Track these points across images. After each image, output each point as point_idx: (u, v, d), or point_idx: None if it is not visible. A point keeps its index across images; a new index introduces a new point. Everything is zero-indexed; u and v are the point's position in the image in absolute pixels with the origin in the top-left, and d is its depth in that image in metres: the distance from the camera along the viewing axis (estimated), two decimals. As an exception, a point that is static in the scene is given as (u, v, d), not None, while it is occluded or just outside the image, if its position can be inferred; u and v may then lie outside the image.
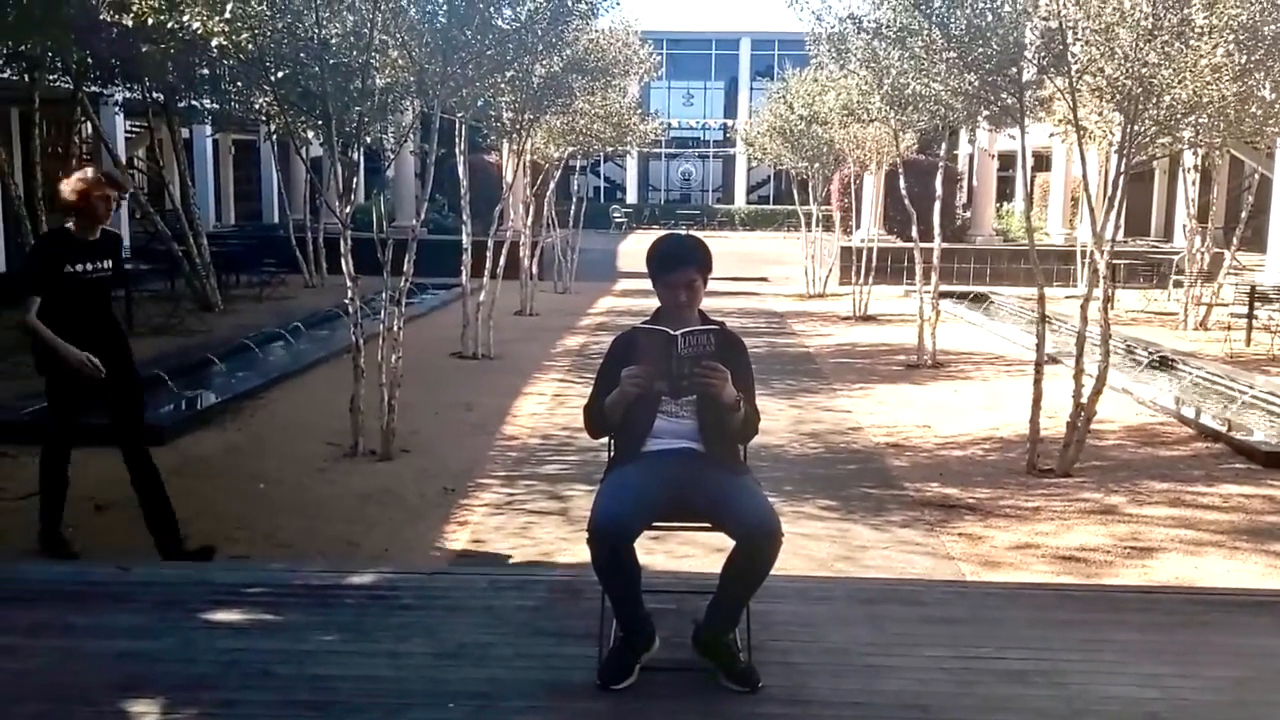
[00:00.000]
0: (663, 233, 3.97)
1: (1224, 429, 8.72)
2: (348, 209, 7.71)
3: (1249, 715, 3.31)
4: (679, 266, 3.60)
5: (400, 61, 7.92)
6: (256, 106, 14.48)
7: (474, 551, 5.79)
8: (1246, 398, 10.16)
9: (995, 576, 5.43)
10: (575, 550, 5.68)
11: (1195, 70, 6.89)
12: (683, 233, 3.82)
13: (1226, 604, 4.30)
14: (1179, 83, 6.94)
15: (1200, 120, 7.61)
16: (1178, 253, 19.00)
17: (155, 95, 15.09)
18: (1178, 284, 17.47)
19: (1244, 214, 16.12)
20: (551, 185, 18.45)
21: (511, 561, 5.60)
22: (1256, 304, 13.82)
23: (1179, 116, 7.35)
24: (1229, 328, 14.01)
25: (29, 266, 5.33)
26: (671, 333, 3.38)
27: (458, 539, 6.00)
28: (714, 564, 3.55)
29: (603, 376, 3.70)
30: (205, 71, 13.27)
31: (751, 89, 45.74)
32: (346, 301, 7.90)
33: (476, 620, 3.98)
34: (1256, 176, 16.82)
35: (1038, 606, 4.23)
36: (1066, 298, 17.64)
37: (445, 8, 7.77)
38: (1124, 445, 8.31)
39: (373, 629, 3.88)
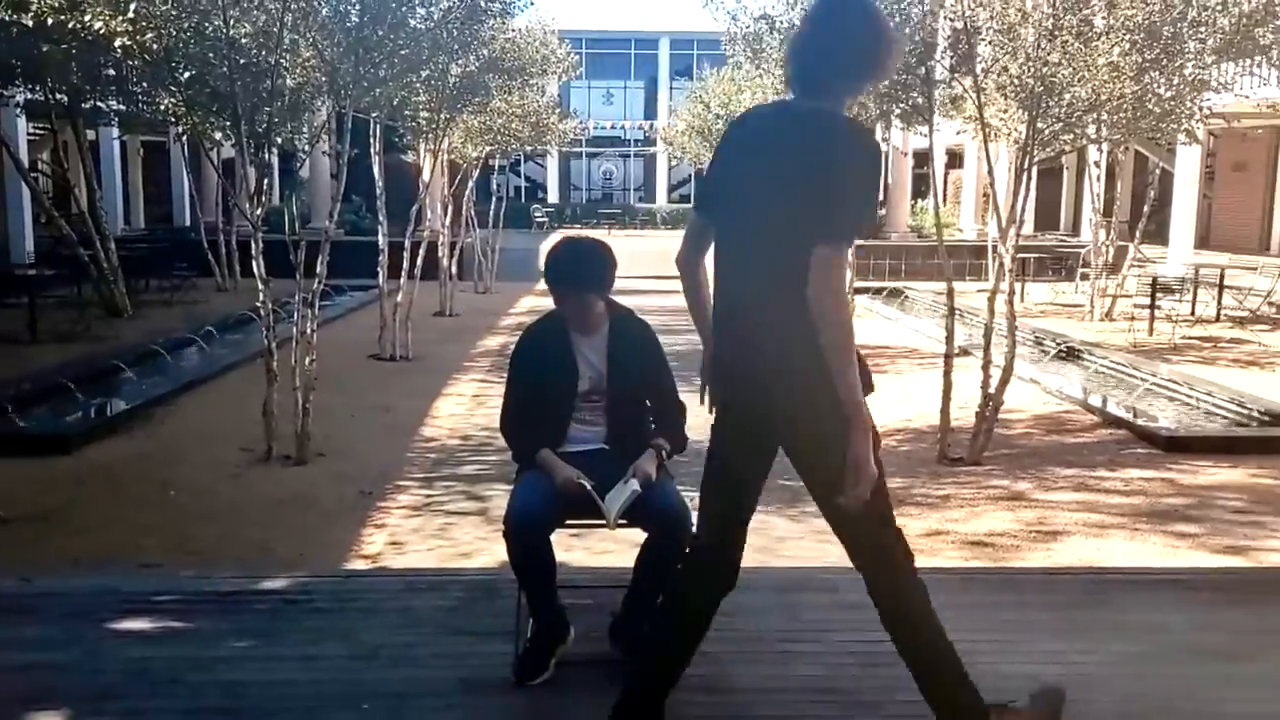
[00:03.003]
0: (564, 236, 3.93)
1: (1127, 416, 9.00)
2: (259, 211, 7.60)
3: (1144, 687, 3.43)
4: (572, 292, 3.58)
5: (311, 61, 7.83)
6: (164, 107, 14.17)
7: (391, 554, 5.76)
8: (1148, 385, 10.49)
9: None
10: (494, 550, 5.67)
11: (1094, 69, 7.10)
12: (583, 240, 3.74)
13: (1125, 582, 4.45)
14: (1079, 81, 7.15)
15: (1101, 117, 7.84)
16: (1085, 246, 19.53)
17: (58, 96, 14.70)
18: (1084, 277, 17.97)
19: (1146, 208, 16.62)
20: (470, 184, 18.35)
21: (429, 563, 5.57)
22: (1158, 295, 14.26)
23: (1080, 114, 7.57)
24: (1132, 318, 14.43)
25: None
26: (601, 502, 3.40)
27: (374, 542, 5.96)
28: (631, 559, 3.58)
29: (513, 383, 3.70)
30: (111, 72, 12.96)
31: (671, 88, 45.93)
32: (259, 304, 7.79)
33: (392, 622, 3.95)
34: (1159, 171, 17.35)
35: (944, 590, 4.28)
36: (978, 291, 17.96)
37: (357, 6, 7.70)
38: (1031, 433, 8.53)
39: (285, 633, 3.84)
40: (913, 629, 2.89)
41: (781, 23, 10.18)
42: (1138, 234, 16.86)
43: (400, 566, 5.46)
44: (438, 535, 6.05)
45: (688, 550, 3.15)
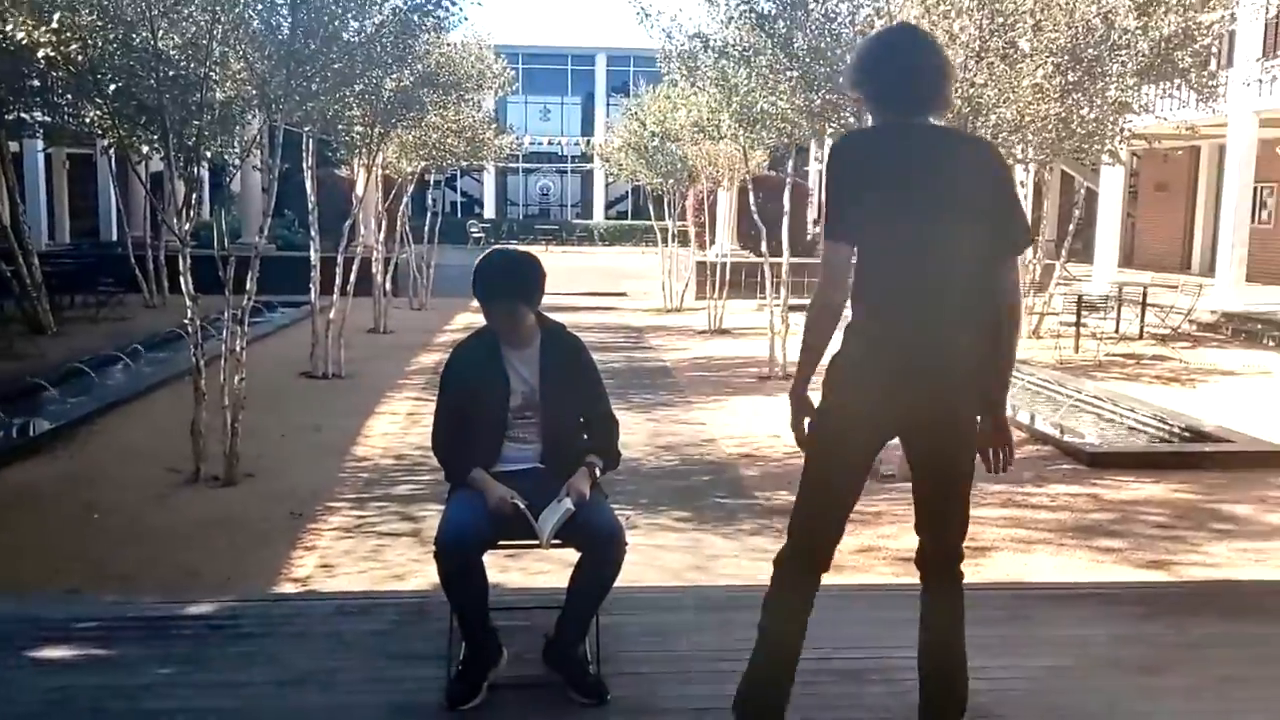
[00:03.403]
0: (491, 249, 3.92)
1: (1053, 432, 9.17)
2: (188, 225, 7.48)
3: (1067, 701, 3.50)
4: (496, 300, 3.58)
5: (242, 74, 7.73)
6: (89, 120, 13.89)
7: (322, 577, 5.67)
8: (1074, 402, 10.71)
9: (838, 579, 5.58)
10: (427, 572, 5.59)
11: (1019, 90, 7.26)
12: (511, 251, 3.75)
13: (1048, 597, 4.54)
14: (1004, 102, 7.30)
15: (1027, 138, 8.02)
16: (1013, 264, 19.85)
17: (-22, 108, 14.35)
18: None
19: (1072, 227, 16.99)
20: (405, 200, 18.23)
21: (360, 585, 5.50)
22: (1084, 313, 14.57)
23: (1006, 134, 7.74)
24: (1059, 335, 14.73)
25: None
26: (534, 522, 3.39)
27: (304, 564, 5.87)
28: (566, 579, 3.57)
29: (445, 400, 3.68)
30: (35, 83, 12.68)
31: (608, 105, 46.05)
32: (186, 321, 7.65)
33: (322, 646, 3.90)
34: (1084, 191, 17.75)
35: (873, 606, 4.40)
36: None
37: (289, 19, 7.62)
38: (963, 450, 8.64)
39: (212, 659, 3.77)
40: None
41: (715, 41, 10.26)
42: (1064, 253, 17.23)
43: (331, 590, 5.38)
44: (370, 557, 5.98)
45: (792, 566, 3.17)
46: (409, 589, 5.28)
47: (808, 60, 8.13)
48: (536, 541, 3.44)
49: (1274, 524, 6.62)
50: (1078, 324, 14.43)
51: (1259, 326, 15.99)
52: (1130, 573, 5.68)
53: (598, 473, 3.63)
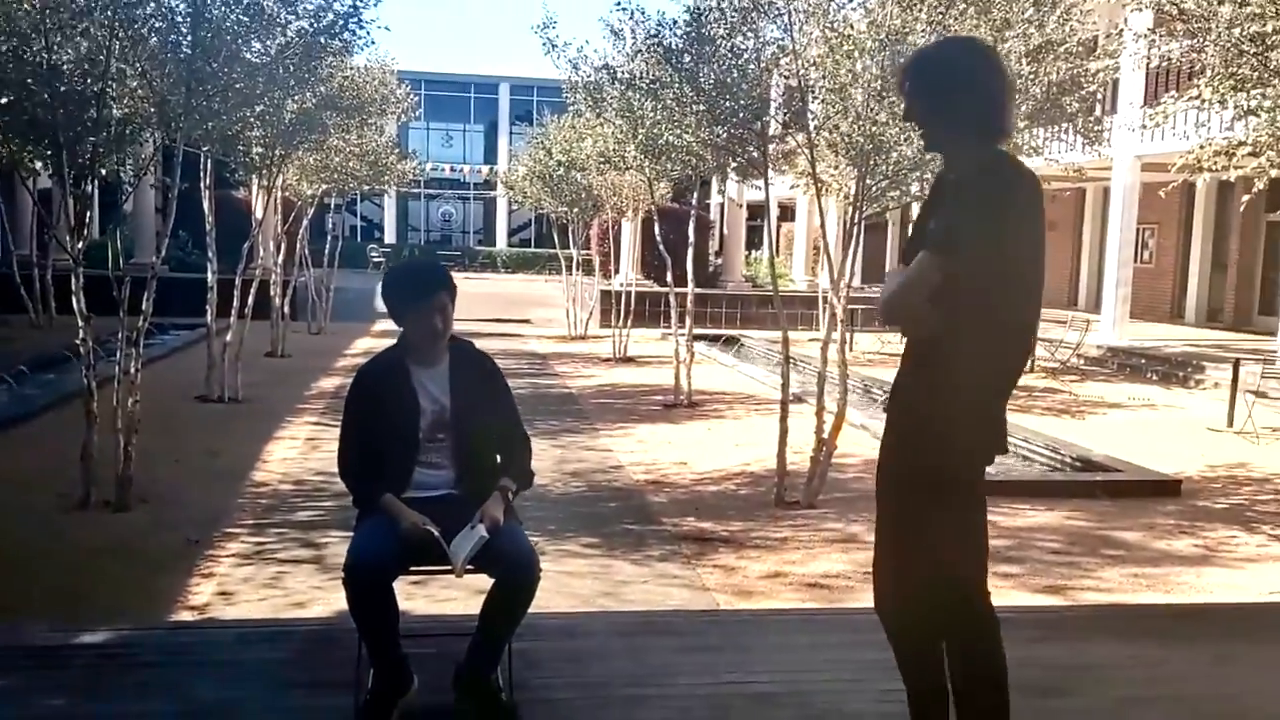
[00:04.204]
0: (394, 264, 3.89)
1: (951, 461, 9.38)
2: (80, 244, 7.25)
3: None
4: (432, 292, 3.54)
5: (140, 91, 7.54)
6: (-25, 134, 13.41)
7: (220, 604, 5.52)
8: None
9: (748, 605, 5.64)
10: (330, 599, 5.51)
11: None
12: (415, 257, 3.76)
13: (953, 621, 4.62)
14: (905, 140, 7.50)
15: (925, 175, 8.24)
16: (909, 298, 20.34)
17: None
18: (910, 327, 18.69)
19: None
20: (305, 223, 17.94)
21: (262, 613, 5.37)
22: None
23: (906, 171, 7.94)
24: (955, 367, 15.07)
25: None
26: (449, 553, 3.34)
27: (202, 592, 5.70)
28: (475, 605, 3.53)
29: (351, 422, 3.62)
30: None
31: (511, 133, 46.09)
32: (78, 342, 7.40)
33: (223, 675, 3.79)
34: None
35: (784, 631, 4.44)
36: (810, 340, 18.52)
37: (189, 38, 7.46)
38: (863, 477, 8.79)
39: (108, 690, 3.64)
40: None
41: (623, 74, 10.34)
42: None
43: (231, 617, 5.24)
44: (270, 585, 5.83)
45: (977, 617, 2.96)
46: (314, 616, 5.17)
47: (714, 94, 8.24)
48: (449, 567, 3.39)
49: (1162, 550, 6.87)
50: (971, 357, 14.79)
51: (1142, 361, 16.65)
52: (1027, 598, 5.84)
53: (511, 496, 3.60)
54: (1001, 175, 2.74)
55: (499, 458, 3.68)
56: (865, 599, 5.72)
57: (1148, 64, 10.93)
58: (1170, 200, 18.78)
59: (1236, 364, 11.93)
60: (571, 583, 5.85)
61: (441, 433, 3.59)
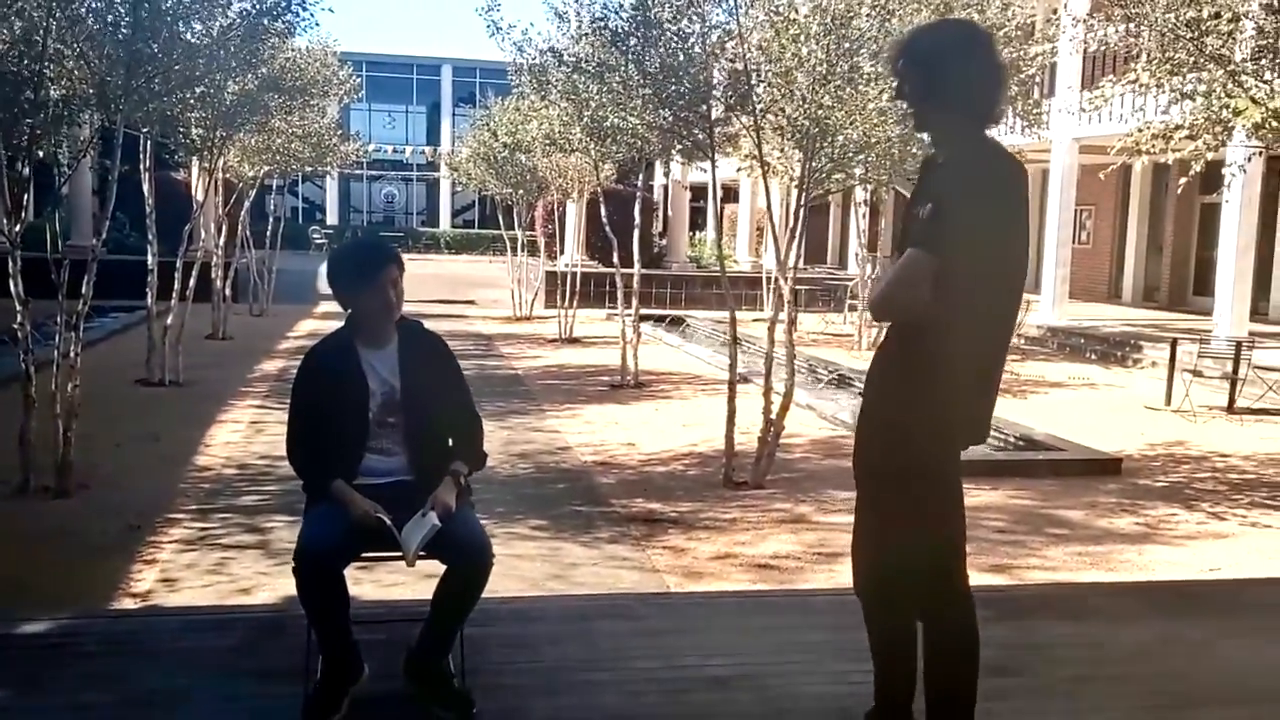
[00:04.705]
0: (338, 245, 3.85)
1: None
2: (17, 227, 7.09)
3: (919, 701, 3.62)
4: (383, 265, 3.49)
5: (78, 73, 7.37)
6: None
7: (164, 591, 5.44)
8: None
9: (698, 587, 5.68)
10: (277, 585, 5.46)
11: (864, 113, 7.52)
12: (358, 237, 3.72)
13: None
14: (850, 124, 7.55)
15: (870, 158, 8.30)
16: (852, 279, 20.57)
17: None
18: (852, 308, 18.91)
19: (909, 244, 17.62)
20: (246, 205, 17.66)
21: (206, 600, 5.30)
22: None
23: (851, 154, 8.00)
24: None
25: None
26: (400, 540, 3.30)
27: (144, 579, 5.62)
28: (424, 591, 3.51)
29: (299, 406, 3.57)
30: None
31: (454, 115, 45.68)
32: (15, 326, 7.24)
33: (169, 664, 3.74)
34: (919, 211, 18.47)
35: (738, 613, 4.47)
36: (754, 320, 18.64)
37: (129, 19, 7.28)
38: (810, 458, 8.89)
39: (50, 681, 3.57)
40: None
41: (569, 57, 10.28)
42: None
43: (176, 604, 5.17)
44: (215, 571, 5.76)
45: (956, 594, 2.99)
46: (260, 603, 5.12)
47: (660, 78, 8.22)
48: (400, 554, 3.37)
49: (1105, 528, 7.01)
50: (915, 337, 14.95)
51: (1081, 341, 16.95)
52: (975, 577, 5.90)
53: (463, 480, 3.57)
54: (989, 163, 2.75)
55: (450, 440, 3.65)
56: (816, 579, 5.82)
57: (1085, 48, 11.10)
58: (1107, 183, 19.08)
59: (1174, 344, 12.17)
60: (520, 565, 5.84)
61: (392, 416, 3.55)
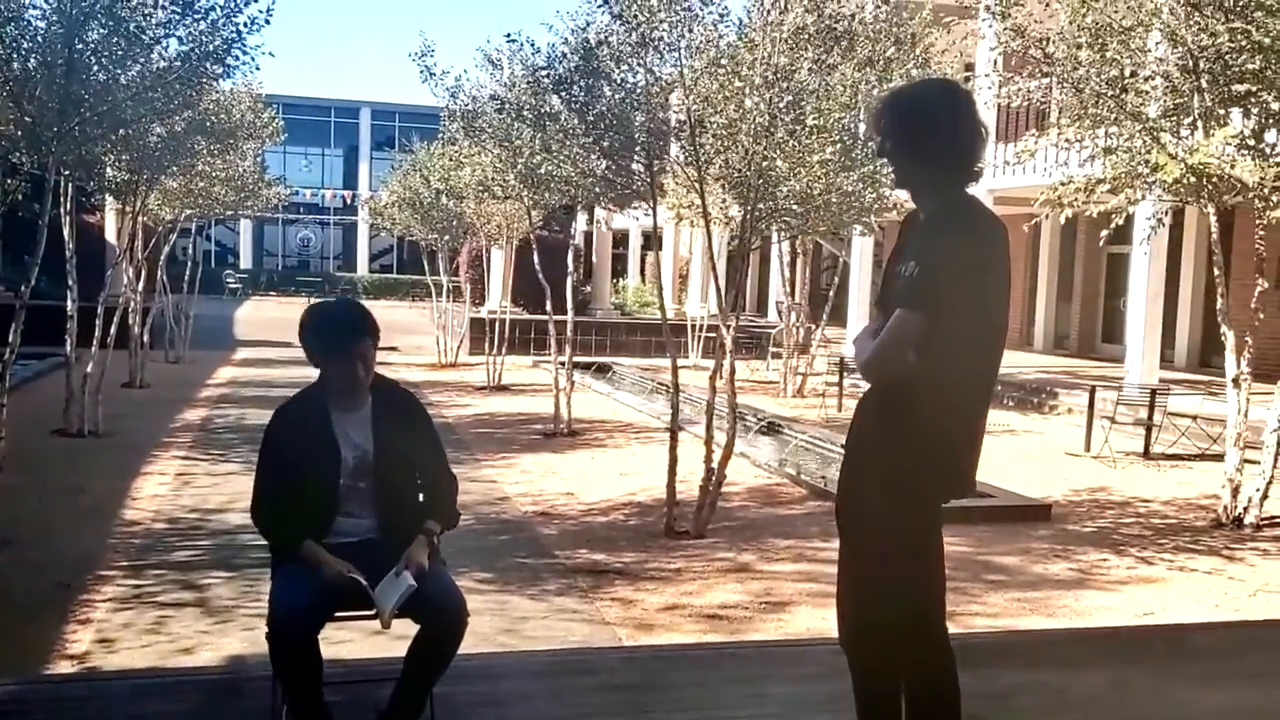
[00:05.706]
0: (316, 302, 3.78)
1: (832, 489, 9.59)
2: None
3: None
4: (354, 341, 3.44)
5: (10, 115, 7.19)
6: None
7: (101, 653, 5.25)
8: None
9: (650, 639, 5.65)
10: (220, 644, 5.32)
11: (808, 164, 7.67)
12: (336, 299, 3.66)
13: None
14: (793, 175, 7.69)
15: (810, 210, 8.47)
16: (774, 326, 20.82)
17: None
18: (776, 355, 19.12)
19: (831, 293, 17.96)
20: (166, 248, 17.31)
21: (147, 661, 5.12)
22: (845, 373, 15.38)
23: (792, 205, 8.14)
24: (823, 394, 15.47)
25: None
26: (375, 600, 3.26)
27: (80, 640, 5.41)
28: (381, 649, 3.43)
29: (268, 468, 3.48)
30: None
31: (373, 158, 45.50)
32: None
33: (125, 732, 3.61)
34: (842, 261, 18.82)
35: (702, 666, 4.46)
36: (682, 367, 18.77)
37: (63, 63, 7.12)
38: (748, 506, 8.93)
39: (-1, 751, 3.42)
40: None
41: (509, 103, 10.31)
42: (824, 316, 18.15)
43: (116, 667, 4.98)
44: (154, 630, 5.57)
45: (938, 645, 3.04)
46: (209, 665, 4.96)
47: (602, 127, 8.28)
48: (373, 613, 3.31)
49: (1040, 574, 7.14)
50: (840, 384, 15.19)
51: (999, 388, 17.31)
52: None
53: (435, 540, 3.53)
54: (972, 220, 2.84)
55: (422, 497, 3.61)
56: (765, 628, 5.84)
57: (999, 103, 11.49)
58: (1018, 233, 19.70)
59: (1093, 391, 12.52)
60: (471, 620, 5.73)
61: (363, 480, 3.49)
